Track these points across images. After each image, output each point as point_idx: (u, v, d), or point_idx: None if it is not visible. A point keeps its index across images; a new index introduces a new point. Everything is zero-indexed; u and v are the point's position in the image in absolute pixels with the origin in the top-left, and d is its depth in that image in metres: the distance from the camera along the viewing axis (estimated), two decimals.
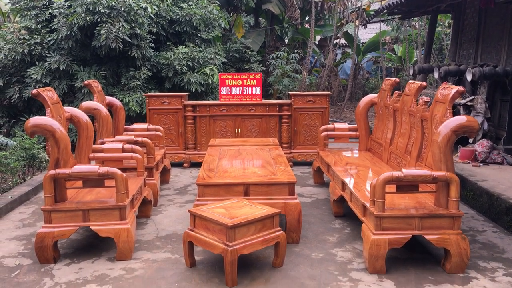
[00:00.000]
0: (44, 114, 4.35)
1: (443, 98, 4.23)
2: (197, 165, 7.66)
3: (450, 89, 4.21)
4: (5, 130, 8.71)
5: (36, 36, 8.79)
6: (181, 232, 4.73)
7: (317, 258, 4.12)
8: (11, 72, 8.87)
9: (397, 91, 5.67)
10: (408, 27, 16.79)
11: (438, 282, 3.67)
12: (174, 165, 7.62)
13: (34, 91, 4.31)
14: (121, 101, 8.17)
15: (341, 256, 4.17)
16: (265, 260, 4.06)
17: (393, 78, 5.96)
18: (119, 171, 4.06)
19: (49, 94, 4.47)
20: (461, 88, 4.12)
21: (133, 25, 8.50)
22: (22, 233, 4.80)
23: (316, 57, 17.75)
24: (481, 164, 6.53)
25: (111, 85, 8.89)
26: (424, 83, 4.95)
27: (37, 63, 8.66)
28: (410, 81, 5.21)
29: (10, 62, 8.75)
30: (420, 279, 3.71)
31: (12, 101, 8.73)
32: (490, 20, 8.07)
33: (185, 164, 7.71)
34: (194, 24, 9.79)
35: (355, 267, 3.94)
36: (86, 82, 6.12)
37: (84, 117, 4.87)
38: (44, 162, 6.97)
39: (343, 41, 18.44)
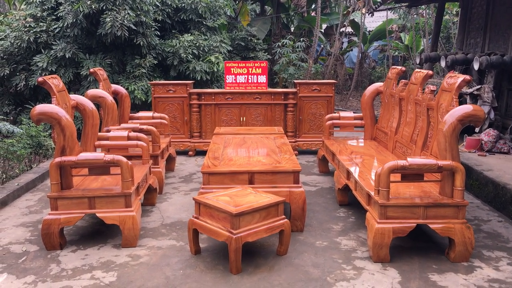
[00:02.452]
0: (50, 102, 4.37)
1: (449, 87, 4.21)
2: (202, 153, 7.68)
3: (456, 78, 4.18)
4: (11, 118, 8.75)
5: (41, 23, 8.79)
6: (186, 219, 4.76)
7: (321, 246, 4.14)
8: (17, 60, 8.89)
9: (403, 80, 5.64)
10: (415, 15, 16.63)
11: (442, 271, 3.68)
12: (179, 153, 7.64)
13: (40, 79, 4.33)
14: (127, 89, 8.17)
15: (345, 245, 4.18)
16: (270, 248, 4.08)
17: (399, 67, 5.93)
18: (124, 159, 4.08)
19: (55, 82, 4.48)
20: (467, 77, 4.09)
21: (139, 12, 8.47)
22: (28, 219, 4.85)
23: (322, 46, 17.64)
24: (487, 154, 6.50)
25: (116, 73, 8.90)
26: (430, 72, 4.92)
27: (43, 51, 8.67)
28: (416, 70, 5.18)
29: (16, 49, 8.76)
30: (424, 268, 3.72)
31: (18, 89, 8.75)
32: (498, 8, 7.97)
33: (190, 152, 7.72)
34: (200, 12, 9.75)
35: (359, 256, 3.96)
36: (91, 70, 6.13)
37: (90, 105, 4.88)
38: (50, 150, 7.01)
39: (349, 29, 18.31)
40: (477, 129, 7.14)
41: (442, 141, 3.83)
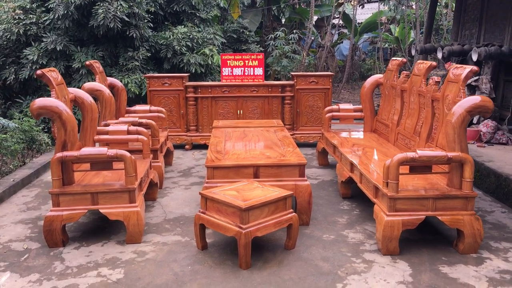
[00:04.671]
0: (40, 96, 4.25)
1: (456, 78, 4.17)
2: (199, 147, 7.60)
3: (463, 69, 4.15)
4: (0, 112, 8.55)
5: (31, 15, 8.58)
6: (188, 214, 4.69)
7: (328, 240, 4.10)
8: (6, 53, 8.66)
9: (404, 72, 5.60)
10: (405, 7, 16.62)
11: (452, 262, 3.66)
12: (175, 147, 7.53)
13: (39, 72, 4.20)
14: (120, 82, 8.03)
15: (353, 238, 4.15)
16: (277, 242, 4.03)
17: (400, 58, 5.89)
18: (128, 154, 3.98)
19: (54, 75, 4.35)
20: (474, 68, 4.06)
21: (131, 4, 8.31)
22: (27, 216, 4.73)
23: (312, 38, 17.56)
24: (486, 145, 6.52)
25: (109, 66, 8.73)
26: (434, 63, 4.89)
27: (33, 43, 8.46)
28: (419, 61, 5.14)
29: (5, 42, 8.54)
30: (433, 260, 3.71)
31: (7, 82, 8.54)
32: None
33: (186, 146, 7.63)
34: (193, 3, 9.61)
35: (368, 249, 3.93)
36: (88, 62, 5.98)
37: (89, 98, 4.76)
38: (43, 145, 6.87)
39: (339, 21, 18.23)
40: (475, 120, 7.16)
41: (450, 132, 3.80)
